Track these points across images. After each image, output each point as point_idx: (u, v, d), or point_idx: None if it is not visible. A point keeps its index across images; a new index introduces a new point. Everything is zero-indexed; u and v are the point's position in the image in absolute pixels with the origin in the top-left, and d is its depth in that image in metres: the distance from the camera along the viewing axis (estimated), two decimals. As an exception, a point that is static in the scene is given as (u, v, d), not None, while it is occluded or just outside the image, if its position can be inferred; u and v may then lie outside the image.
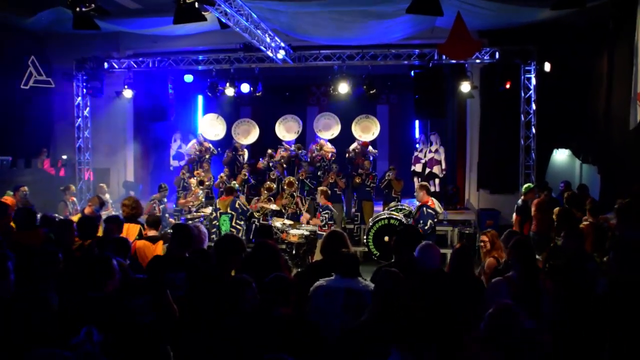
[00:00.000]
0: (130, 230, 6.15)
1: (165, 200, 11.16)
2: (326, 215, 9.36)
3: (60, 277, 3.88)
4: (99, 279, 3.43)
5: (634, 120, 8.65)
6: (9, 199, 8.39)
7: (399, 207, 11.00)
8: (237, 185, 11.22)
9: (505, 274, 4.26)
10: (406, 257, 4.85)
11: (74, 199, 11.27)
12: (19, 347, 3.07)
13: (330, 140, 13.48)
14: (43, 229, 5.59)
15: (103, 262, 3.52)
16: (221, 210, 9.32)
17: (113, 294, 3.47)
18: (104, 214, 10.87)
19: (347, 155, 12.93)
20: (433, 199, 8.69)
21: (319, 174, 12.25)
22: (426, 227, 8.12)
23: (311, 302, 4.09)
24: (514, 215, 9.53)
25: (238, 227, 9.30)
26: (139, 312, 3.59)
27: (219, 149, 13.70)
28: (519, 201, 9.43)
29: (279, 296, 3.54)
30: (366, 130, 13.55)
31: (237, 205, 9.28)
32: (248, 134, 14.20)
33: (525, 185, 9.76)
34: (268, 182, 11.37)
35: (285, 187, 11.21)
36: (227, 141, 14.34)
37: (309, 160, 12.61)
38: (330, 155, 12.80)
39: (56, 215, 9.53)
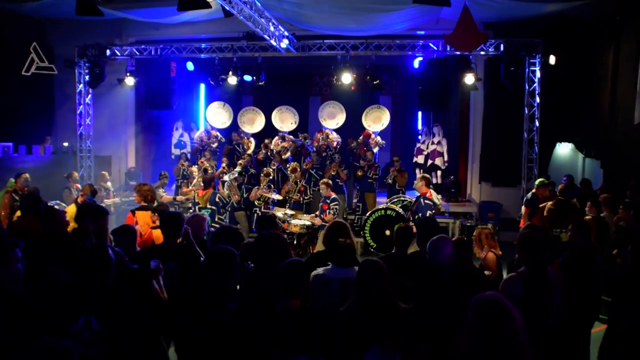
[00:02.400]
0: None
1: (165, 188, 11.16)
2: (335, 207, 9.27)
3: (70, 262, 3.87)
4: (99, 273, 3.39)
5: (638, 115, 8.61)
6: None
7: (400, 198, 10.99)
8: (239, 169, 11.17)
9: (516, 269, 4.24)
10: (403, 251, 4.85)
11: (78, 185, 11.25)
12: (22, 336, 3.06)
13: (335, 130, 13.47)
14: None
15: (100, 254, 3.47)
16: (200, 205, 9.13)
17: (112, 283, 3.44)
18: (107, 202, 10.94)
19: (349, 145, 12.90)
20: (431, 190, 8.65)
21: (326, 163, 12.22)
22: None
23: (310, 291, 4.06)
24: (523, 207, 9.44)
25: (221, 222, 9.13)
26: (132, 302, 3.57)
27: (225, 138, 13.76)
28: (529, 194, 9.33)
29: (293, 283, 3.41)
30: (377, 121, 13.58)
31: (217, 199, 9.10)
32: (253, 122, 14.21)
33: (540, 180, 9.61)
34: (266, 168, 11.33)
35: (289, 173, 11.17)
36: (233, 129, 14.35)
37: (314, 150, 12.58)
38: (335, 144, 12.77)
39: (57, 202, 9.58)
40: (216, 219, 8.96)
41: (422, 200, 8.28)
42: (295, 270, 3.45)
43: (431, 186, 8.93)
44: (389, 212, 9.97)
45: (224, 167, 11.67)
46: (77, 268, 3.57)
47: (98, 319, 3.08)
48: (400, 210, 10.00)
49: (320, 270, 4.16)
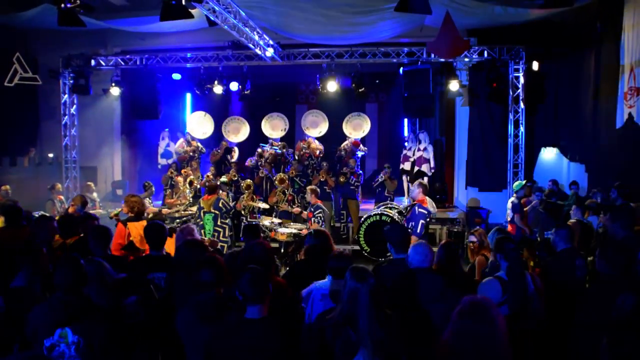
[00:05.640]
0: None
1: (151, 199, 11.10)
2: (320, 215, 9.27)
3: (46, 275, 3.82)
4: (73, 281, 3.33)
5: (620, 120, 8.71)
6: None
7: (389, 205, 11.00)
8: (225, 179, 11.19)
9: (493, 273, 4.25)
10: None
11: (62, 197, 11.16)
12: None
13: (318, 138, 13.48)
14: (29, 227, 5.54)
15: (73, 263, 3.42)
16: (205, 210, 9.20)
17: (89, 295, 3.40)
18: (93, 213, 10.85)
19: (337, 153, 12.93)
20: (428, 198, 8.60)
21: (308, 171, 12.23)
22: (418, 230, 7.95)
23: (308, 305, 3.99)
24: (509, 212, 9.47)
25: (224, 225, 9.16)
26: (130, 312, 3.54)
27: (206, 149, 13.66)
28: (514, 199, 9.39)
29: (256, 292, 3.23)
30: (357, 128, 13.62)
31: (220, 205, 9.15)
32: (238, 132, 14.19)
33: (517, 182, 9.73)
34: (246, 180, 11.32)
35: (277, 184, 11.19)
36: (215, 139, 14.31)
37: (295, 158, 12.59)
38: (318, 152, 12.79)
39: (41, 213, 9.45)
40: (219, 222, 9.04)
41: (416, 208, 8.13)
42: (257, 278, 3.29)
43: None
44: (383, 217, 10.00)
45: (208, 176, 11.63)
46: (52, 279, 3.52)
47: (74, 331, 3.03)
48: (396, 216, 10.01)
49: (318, 284, 4.03)
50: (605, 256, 3.97)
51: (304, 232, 9.35)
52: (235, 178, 11.83)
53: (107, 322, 3.26)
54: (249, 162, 12.76)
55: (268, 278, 3.37)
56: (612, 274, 3.91)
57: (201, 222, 9.02)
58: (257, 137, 14.28)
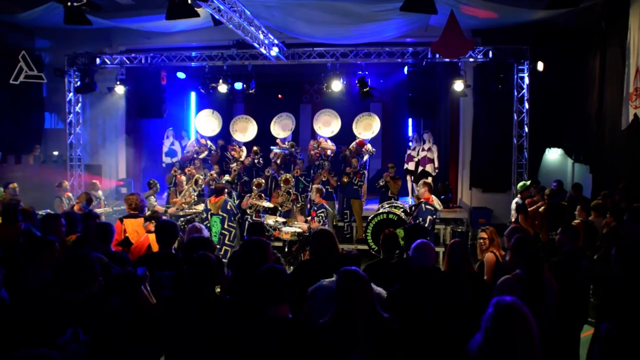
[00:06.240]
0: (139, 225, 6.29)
1: (156, 196, 11.15)
2: (322, 215, 9.31)
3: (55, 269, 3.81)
4: (82, 279, 3.32)
5: (625, 120, 8.68)
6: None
7: (393, 204, 11.00)
8: (229, 178, 11.22)
9: (509, 271, 4.23)
10: (394, 255, 4.82)
11: (70, 194, 11.19)
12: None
13: (329, 138, 13.48)
14: (23, 224, 5.57)
15: (83, 260, 3.40)
16: (212, 212, 9.20)
17: (98, 292, 3.38)
18: (99, 211, 10.87)
19: (343, 153, 12.92)
20: (434, 196, 8.64)
21: (318, 171, 12.23)
22: (426, 225, 8.00)
23: (313, 303, 3.99)
24: (513, 212, 9.45)
25: (231, 229, 9.15)
26: (116, 311, 3.48)
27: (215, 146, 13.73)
28: (519, 200, 9.36)
29: (273, 292, 3.25)
30: (367, 128, 13.62)
31: (228, 207, 9.16)
32: (246, 131, 14.20)
33: (522, 183, 9.71)
34: (257, 179, 11.34)
35: (281, 184, 11.20)
36: (223, 136, 14.34)
37: (308, 157, 12.59)
38: (329, 152, 12.79)
39: (48, 211, 9.51)
40: (226, 225, 9.06)
41: (423, 205, 8.20)
42: (272, 278, 3.27)
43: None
44: (390, 215, 10.03)
45: (212, 174, 11.65)
46: (59, 277, 3.51)
47: (85, 330, 3.03)
48: (403, 215, 10.02)
49: (324, 282, 3.97)
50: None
51: (305, 228, 9.40)
52: (237, 172, 11.84)
53: (114, 319, 3.26)
54: (246, 160, 12.76)
55: (287, 276, 3.37)
56: None
57: (207, 224, 9.01)
58: (261, 135, 14.29)
